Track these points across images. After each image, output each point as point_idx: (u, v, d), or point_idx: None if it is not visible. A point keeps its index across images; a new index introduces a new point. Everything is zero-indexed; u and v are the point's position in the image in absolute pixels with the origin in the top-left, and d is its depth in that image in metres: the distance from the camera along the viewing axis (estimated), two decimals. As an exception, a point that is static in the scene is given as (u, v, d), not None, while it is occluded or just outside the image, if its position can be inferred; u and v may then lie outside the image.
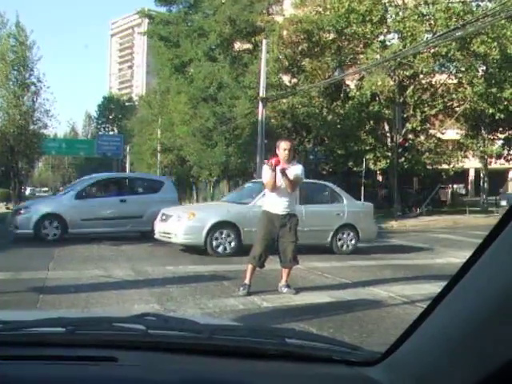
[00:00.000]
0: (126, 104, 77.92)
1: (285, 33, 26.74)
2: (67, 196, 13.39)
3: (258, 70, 24.04)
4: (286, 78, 28.76)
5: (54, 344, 1.19)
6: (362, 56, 24.81)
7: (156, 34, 35.30)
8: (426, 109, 24.92)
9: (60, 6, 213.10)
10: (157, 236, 11.13)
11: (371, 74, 22.93)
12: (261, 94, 21.64)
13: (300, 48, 26.61)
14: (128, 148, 58.26)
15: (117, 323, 1.29)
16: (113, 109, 78.08)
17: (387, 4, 23.42)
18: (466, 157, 26.91)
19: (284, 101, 26.82)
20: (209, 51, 30.82)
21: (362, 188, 21.40)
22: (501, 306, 0.84)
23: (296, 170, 6.52)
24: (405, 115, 24.98)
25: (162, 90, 43.98)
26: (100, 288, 6.66)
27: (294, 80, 28.37)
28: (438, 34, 19.42)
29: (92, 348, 1.19)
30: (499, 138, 27.85)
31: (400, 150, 24.97)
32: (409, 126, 24.93)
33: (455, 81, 25.19)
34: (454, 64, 23.85)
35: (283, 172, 6.26)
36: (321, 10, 26.12)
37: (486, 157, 27.22)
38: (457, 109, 25.55)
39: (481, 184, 28.98)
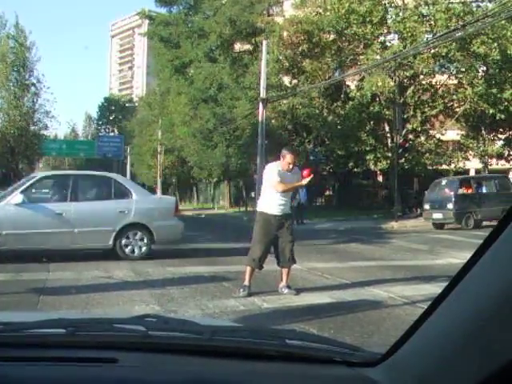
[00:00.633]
0: (127, 105, 77.97)
1: (285, 34, 26.76)
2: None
3: (258, 70, 24.07)
4: (286, 79, 28.79)
5: (55, 345, 1.19)
6: (362, 57, 24.82)
7: (156, 35, 35.33)
8: (426, 109, 24.93)
9: (60, 6, 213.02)
10: None
11: (371, 74, 22.94)
12: (261, 95, 21.66)
13: (300, 49, 26.63)
14: (128, 149, 58.26)
15: (117, 324, 1.29)
16: (113, 110, 78.13)
17: (387, 5, 23.45)
18: (466, 158, 26.90)
19: (284, 102, 26.84)
20: (209, 52, 30.85)
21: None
22: (502, 307, 0.84)
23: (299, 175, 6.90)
24: (405, 116, 24.99)
25: (163, 91, 44.06)
26: (100, 289, 6.66)
27: (295, 81, 28.40)
28: (438, 34, 19.43)
29: (92, 349, 1.19)
30: (500, 139, 27.85)
31: (400, 151, 24.96)
32: (409, 126, 24.94)
33: (455, 81, 25.20)
34: (454, 64, 23.86)
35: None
36: (321, 10, 26.14)
37: (486, 157, 27.21)
38: (457, 109, 25.55)
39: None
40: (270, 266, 6.92)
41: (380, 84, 22.54)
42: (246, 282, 6.49)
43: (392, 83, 23.52)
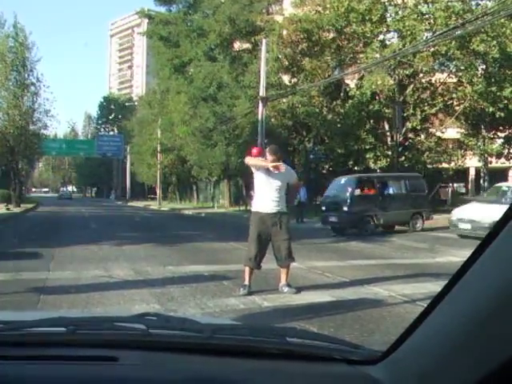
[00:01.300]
0: (126, 104, 77.94)
1: (284, 32, 26.75)
2: None
3: (257, 69, 24.06)
4: (285, 78, 28.78)
5: (55, 344, 1.19)
6: (361, 55, 24.81)
7: (156, 34, 35.32)
8: (425, 108, 24.92)
9: (60, 6, 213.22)
10: None
11: (371, 73, 22.93)
12: (261, 94, 21.66)
13: (300, 47, 26.62)
14: (128, 148, 58.18)
15: (117, 323, 1.29)
16: (113, 109, 78.09)
17: (387, 3, 23.42)
18: (465, 156, 26.91)
19: (284, 100, 26.84)
20: (208, 51, 30.84)
21: None
22: (501, 305, 0.84)
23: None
24: (405, 114, 25.00)
25: (162, 90, 44.04)
26: (100, 288, 6.66)
27: (294, 79, 28.39)
28: (438, 32, 19.40)
29: (93, 348, 1.19)
30: (499, 137, 27.83)
31: (400, 149, 24.98)
32: (409, 124, 24.94)
33: (455, 79, 25.19)
34: (454, 63, 23.84)
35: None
36: (320, 9, 26.12)
37: (486, 155, 27.20)
38: (457, 107, 25.53)
39: (481, 183, 28.93)
40: (270, 264, 6.92)
41: (380, 82, 22.55)
42: (246, 282, 6.50)
43: (392, 81, 23.52)
